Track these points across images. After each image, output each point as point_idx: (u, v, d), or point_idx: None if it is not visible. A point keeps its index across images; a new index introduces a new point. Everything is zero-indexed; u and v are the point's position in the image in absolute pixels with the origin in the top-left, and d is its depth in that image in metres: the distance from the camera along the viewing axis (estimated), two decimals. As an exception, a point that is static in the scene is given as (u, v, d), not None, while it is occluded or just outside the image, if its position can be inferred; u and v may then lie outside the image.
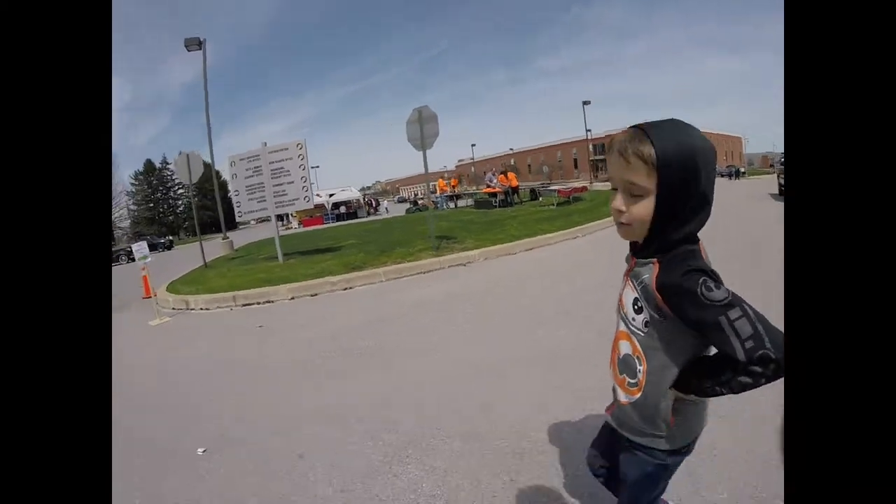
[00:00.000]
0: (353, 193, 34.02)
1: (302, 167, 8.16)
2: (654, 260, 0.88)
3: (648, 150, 0.80)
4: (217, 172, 19.35)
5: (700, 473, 1.59)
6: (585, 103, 36.15)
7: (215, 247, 9.95)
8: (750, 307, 0.78)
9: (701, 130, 0.86)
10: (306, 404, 2.71)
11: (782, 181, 12.87)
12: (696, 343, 0.89)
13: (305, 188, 8.20)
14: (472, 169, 79.28)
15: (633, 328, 0.96)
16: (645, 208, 0.84)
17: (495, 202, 16.05)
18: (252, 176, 8.26)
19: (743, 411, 1.88)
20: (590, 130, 39.42)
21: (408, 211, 24.54)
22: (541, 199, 16.80)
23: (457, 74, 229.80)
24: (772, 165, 50.65)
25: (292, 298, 5.99)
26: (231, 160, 8.39)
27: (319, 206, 29.84)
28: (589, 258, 6.42)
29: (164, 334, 5.36)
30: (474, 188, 27.70)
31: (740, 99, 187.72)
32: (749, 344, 0.76)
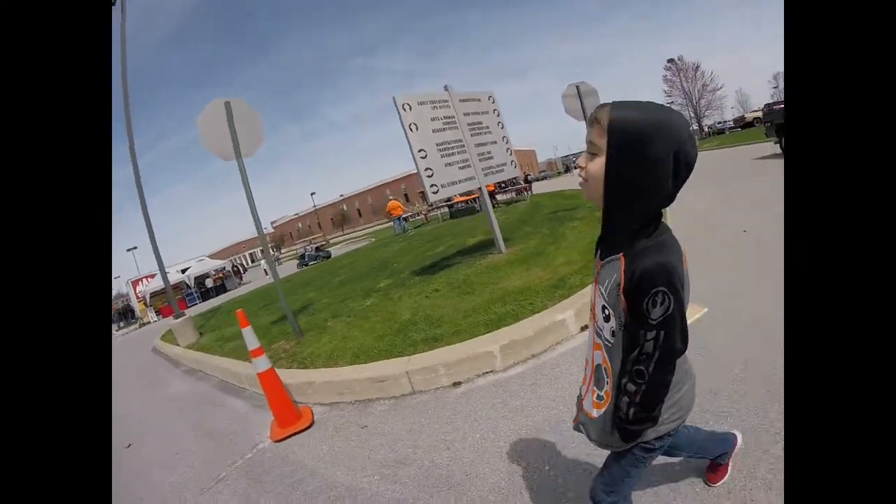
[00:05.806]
0: (209, 262, 26.59)
1: (500, 125, 6.32)
2: (620, 255, 0.86)
3: (606, 113, 0.82)
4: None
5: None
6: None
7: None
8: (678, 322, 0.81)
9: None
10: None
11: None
12: None
13: (510, 151, 6.35)
14: (297, 224, 78.47)
15: (603, 338, 0.93)
16: (597, 165, 0.84)
17: (477, 206, 15.45)
18: (444, 129, 5.45)
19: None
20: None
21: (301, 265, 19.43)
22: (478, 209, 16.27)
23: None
24: (563, 170, 65.18)
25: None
26: (404, 102, 5.13)
27: (176, 287, 22.34)
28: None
29: None
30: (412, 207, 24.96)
31: (529, 118, 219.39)
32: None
